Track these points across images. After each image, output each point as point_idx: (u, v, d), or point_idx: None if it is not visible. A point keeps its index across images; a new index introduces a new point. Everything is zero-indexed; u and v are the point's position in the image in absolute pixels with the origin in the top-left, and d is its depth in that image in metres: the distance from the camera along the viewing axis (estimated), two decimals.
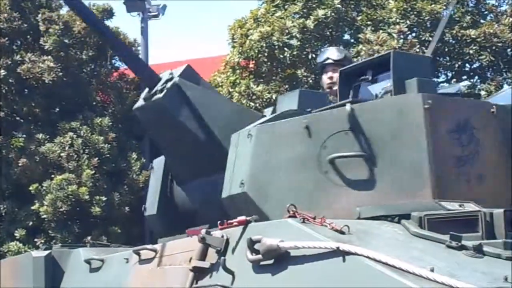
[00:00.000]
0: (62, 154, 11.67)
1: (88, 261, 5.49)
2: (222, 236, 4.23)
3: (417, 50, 11.44)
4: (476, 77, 12.73)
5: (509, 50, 12.20)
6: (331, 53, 6.38)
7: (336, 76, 6.18)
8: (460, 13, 12.12)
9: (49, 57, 12.03)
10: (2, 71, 11.98)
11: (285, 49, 11.82)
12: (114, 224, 11.82)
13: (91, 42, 12.54)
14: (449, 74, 12.63)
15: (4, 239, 11.77)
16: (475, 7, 12.56)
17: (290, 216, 4.04)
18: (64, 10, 12.75)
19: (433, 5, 11.79)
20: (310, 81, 11.69)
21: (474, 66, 12.58)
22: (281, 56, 11.90)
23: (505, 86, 12.32)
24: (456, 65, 12.42)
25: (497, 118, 4.65)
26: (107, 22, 12.87)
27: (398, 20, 11.82)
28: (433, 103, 4.41)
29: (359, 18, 12.26)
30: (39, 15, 12.31)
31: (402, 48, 11.34)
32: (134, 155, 12.21)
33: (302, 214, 3.99)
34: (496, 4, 12.82)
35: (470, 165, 4.50)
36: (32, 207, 11.59)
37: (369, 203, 4.38)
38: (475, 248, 3.68)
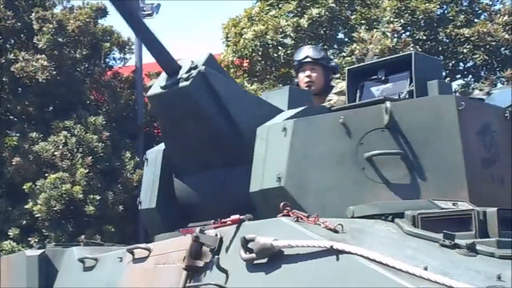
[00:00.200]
0: (56, 153, 11.64)
1: (81, 260, 5.48)
2: (216, 235, 4.23)
3: (411, 49, 11.46)
4: (470, 76, 12.76)
5: (503, 49, 12.23)
6: (310, 52, 6.32)
7: (314, 75, 6.16)
8: (454, 12, 12.14)
9: (43, 55, 12.00)
10: None
11: (279, 48, 11.84)
12: (108, 223, 11.80)
13: (85, 41, 12.51)
14: (443, 73, 12.65)
15: None
16: (469, 6, 12.59)
17: (283, 215, 4.04)
18: (58, 8, 12.75)
19: (427, 4, 11.81)
20: None
21: (468, 65, 12.61)
22: (275, 55, 11.92)
23: (499, 85, 12.35)
24: (450, 64, 12.45)
25: (510, 122, 4.74)
26: (101, 21, 12.88)
27: (392, 19, 11.84)
28: (466, 106, 4.47)
29: (353, 17, 12.28)
30: (33, 14, 12.27)
31: (396, 47, 11.36)
32: (128, 154, 12.18)
33: (295, 213, 4.00)
34: (490, 3, 12.86)
35: (493, 167, 4.59)
36: (26, 206, 11.55)
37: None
38: (469, 247, 3.69)
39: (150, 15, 14.09)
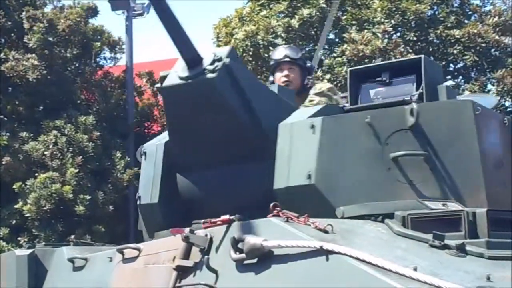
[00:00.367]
0: (46, 153, 11.63)
1: (71, 260, 5.45)
2: (206, 235, 4.23)
3: (402, 49, 11.49)
4: (460, 77, 12.78)
5: (493, 50, 12.26)
6: (288, 51, 6.32)
7: (292, 75, 6.16)
8: (445, 13, 12.17)
9: (33, 55, 11.98)
10: None
11: (270, 48, 11.82)
12: (98, 222, 11.78)
13: (75, 40, 12.49)
14: None
15: None
16: (460, 7, 12.61)
17: (273, 215, 4.04)
18: (49, 8, 12.73)
19: (417, 5, 11.83)
20: None
21: (458, 66, 12.64)
22: (266, 55, 11.91)
23: (489, 86, 12.40)
24: (440, 65, 12.46)
25: (509, 129, 4.82)
26: (92, 20, 12.87)
27: (382, 20, 11.86)
28: (481, 111, 4.56)
29: (344, 17, 12.29)
30: (23, 13, 12.25)
31: (386, 47, 11.38)
32: (118, 154, 12.17)
33: (285, 213, 4.00)
34: (480, 4, 12.88)
35: (502, 171, 4.66)
36: (16, 206, 11.53)
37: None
38: (458, 247, 3.71)
39: (141, 14, 14.07)
